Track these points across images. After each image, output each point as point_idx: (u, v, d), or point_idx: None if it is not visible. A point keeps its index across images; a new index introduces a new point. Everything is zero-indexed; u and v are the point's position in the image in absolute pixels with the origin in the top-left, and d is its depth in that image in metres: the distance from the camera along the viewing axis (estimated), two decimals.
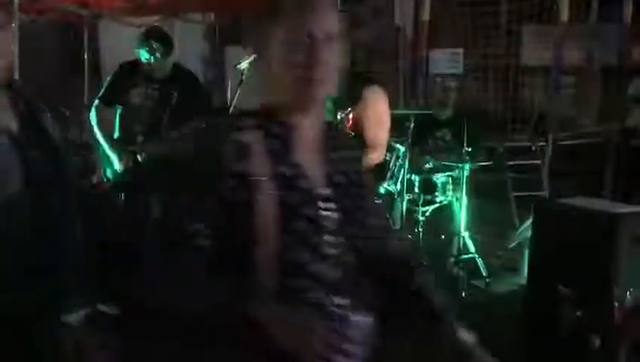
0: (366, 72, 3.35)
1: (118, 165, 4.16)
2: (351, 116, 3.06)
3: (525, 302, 3.86)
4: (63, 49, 13.02)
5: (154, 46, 4.03)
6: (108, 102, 4.28)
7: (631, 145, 6.13)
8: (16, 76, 6.32)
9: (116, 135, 4.27)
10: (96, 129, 4.26)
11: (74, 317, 3.59)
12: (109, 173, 4.21)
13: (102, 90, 4.32)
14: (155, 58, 4.05)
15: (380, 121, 3.29)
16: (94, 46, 11.39)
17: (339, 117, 3.07)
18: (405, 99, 7.66)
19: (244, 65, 3.07)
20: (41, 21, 9.02)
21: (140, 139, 4.15)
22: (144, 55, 4.06)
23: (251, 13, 1.51)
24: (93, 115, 4.28)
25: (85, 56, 9.20)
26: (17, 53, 6.32)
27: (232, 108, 3.11)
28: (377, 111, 3.26)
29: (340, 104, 3.19)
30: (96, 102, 4.31)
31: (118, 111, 4.28)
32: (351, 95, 3.20)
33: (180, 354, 1.42)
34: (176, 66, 4.24)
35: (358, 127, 3.17)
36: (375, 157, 3.31)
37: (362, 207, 1.51)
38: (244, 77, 3.09)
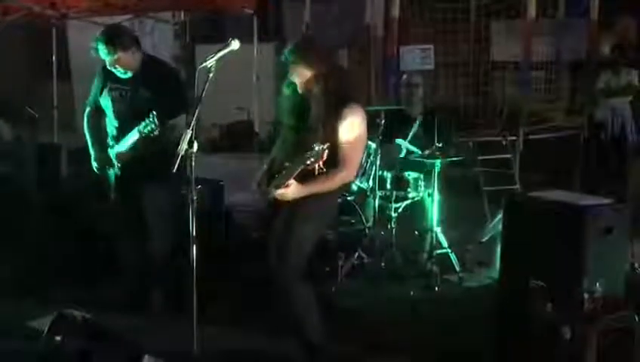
0: (345, 90, 3.30)
1: (94, 165, 4.15)
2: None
3: (498, 296, 3.88)
4: (31, 50, 12.84)
5: (108, 46, 3.92)
6: (93, 105, 4.23)
7: (599, 137, 6.21)
8: None
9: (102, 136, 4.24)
10: (85, 131, 4.25)
11: (41, 322, 3.54)
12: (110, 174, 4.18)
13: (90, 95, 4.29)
14: (113, 58, 3.95)
15: (356, 143, 3.23)
16: (63, 47, 11.25)
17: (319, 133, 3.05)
18: (377, 96, 7.67)
19: (210, 63, 3.04)
20: (7, 21, 8.86)
21: (111, 142, 4.12)
22: (104, 56, 3.97)
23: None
24: (85, 119, 4.27)
25: (54, 58, 9.06)
26: None
27: (198, 106, 3.06)
28: (354, 132, 3.19)
29: (318, 122, 3.15)
30: (87, 108, 4.29)
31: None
32: (330, 113, 3.16)
33: None
34: (148, 60, 4.12)
35: (333, 145, 3.10)
36: (345, 175, 3.25)
37: None
38: (210, 75, 3.05)
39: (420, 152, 5.01)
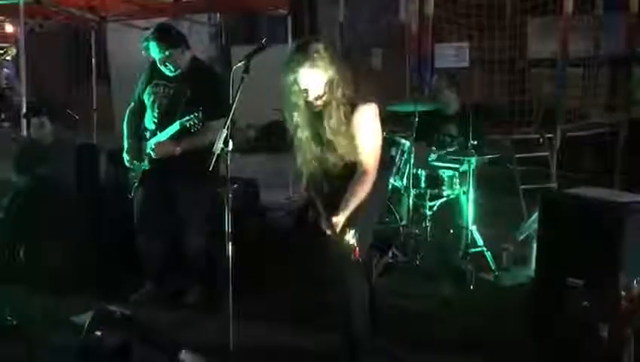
0: (357, 87, 3.10)
1: (125, 156, 4.23)
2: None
3: (534, 294, 3.86)
4: (71, 53, 13.13)
5: (160, 44, 4.03)
6: (137, 101, 4.32)
7: (638, 133, 6.08)
8: (24, 80, 6.39)
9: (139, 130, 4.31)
10: (124, 124, 4.34)
11: (82, 317, 3.64)
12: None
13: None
14: (164, 55, 4.05)
15: (375, 142, 3.10)
16: (102, 49, 11.49)
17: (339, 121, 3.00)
18: (411, 94, 7.64)
19: (244, 64, 3.07)
20: (48, 25, 9.08)
21: (148, 135, 4.20)
22: (153, 53, 4.07)
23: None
24: (126, 113, 4.36)
25: (93, 60, 9.24)
26: (25, 57, 6.39)
27: (234, 107, 3.10)
28: (368, 131, 3.07)
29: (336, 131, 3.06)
30: (131, 103, 4.37)
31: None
32: (344, 111, 3.04)
33: None
34: (194, 61, 4.22)
35: (347, 145, 3.08)
36: (371, 176, 3.08)
37: None
38: (245, 76, 3.09)
39: (455, 149, 4.99)
